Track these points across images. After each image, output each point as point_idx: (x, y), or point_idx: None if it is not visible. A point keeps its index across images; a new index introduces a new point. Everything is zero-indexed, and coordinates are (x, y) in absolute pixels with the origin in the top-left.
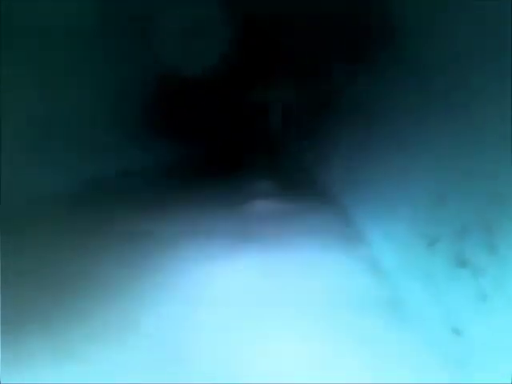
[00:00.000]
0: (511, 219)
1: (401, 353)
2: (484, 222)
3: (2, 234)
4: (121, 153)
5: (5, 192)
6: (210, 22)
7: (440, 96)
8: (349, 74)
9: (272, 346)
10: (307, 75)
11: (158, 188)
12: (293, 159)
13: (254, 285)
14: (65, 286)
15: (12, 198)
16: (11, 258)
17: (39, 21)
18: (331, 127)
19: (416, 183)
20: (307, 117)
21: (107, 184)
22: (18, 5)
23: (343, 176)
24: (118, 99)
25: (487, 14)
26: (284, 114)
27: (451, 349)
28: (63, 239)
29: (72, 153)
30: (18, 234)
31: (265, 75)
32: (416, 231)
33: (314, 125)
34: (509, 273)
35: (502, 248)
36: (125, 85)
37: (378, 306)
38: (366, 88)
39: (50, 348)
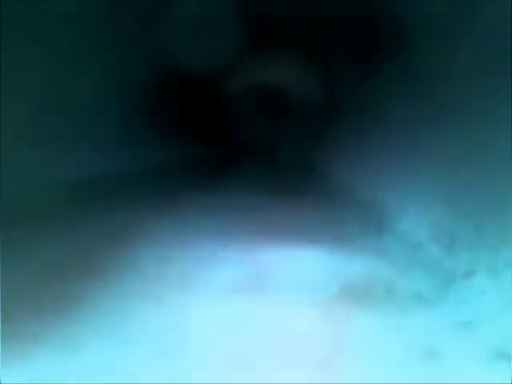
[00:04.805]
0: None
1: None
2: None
3: (1, 231)
4: (121, 152)
5: (5, 190)
6: (217, 19)
7: (442, 103)
8: (361, 76)
9: None
10: (317, 75)
11: (157, 188)
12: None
13: None
14: (66, 286)
15: (11, 196)
16: (11, 254)
17: (40, 20)
18: (337, 128)
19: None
20: (318, 118)
21: (107, 183)
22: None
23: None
24: (120, 98)
25: (498, 24)
26: (288, 113)
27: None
28: (62, 237)
29: (73, 151)
30: (17, 232)
31: (269, 74)
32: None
33: (324, 126)
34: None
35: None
36: (127, 84)
37: None
38: (378, 91)
39: (50, 348)
